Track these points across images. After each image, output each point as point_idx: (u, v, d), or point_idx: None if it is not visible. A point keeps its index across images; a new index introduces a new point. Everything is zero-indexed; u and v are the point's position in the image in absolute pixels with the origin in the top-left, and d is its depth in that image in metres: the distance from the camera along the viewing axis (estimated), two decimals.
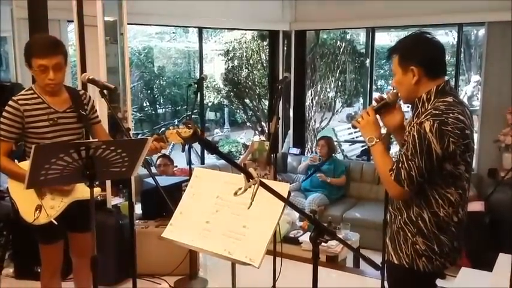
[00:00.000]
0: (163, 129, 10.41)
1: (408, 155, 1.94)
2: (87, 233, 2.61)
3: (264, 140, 6.53)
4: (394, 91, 2.17)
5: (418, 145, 1.91)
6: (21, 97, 2.62)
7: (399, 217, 2.11)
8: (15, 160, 2.70)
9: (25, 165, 2.54)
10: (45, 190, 2.61)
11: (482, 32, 7.40)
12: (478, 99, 8.32)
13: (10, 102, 2.59)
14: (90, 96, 2.88)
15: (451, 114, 1.92)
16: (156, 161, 5.80)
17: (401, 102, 2.21)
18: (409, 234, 2.06)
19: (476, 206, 5.06)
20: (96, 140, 2.70)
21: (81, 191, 2.65)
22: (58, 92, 2.69)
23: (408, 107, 2.20)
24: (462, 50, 7.89)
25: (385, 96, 2.21)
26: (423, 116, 1.95)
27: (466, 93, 10.40)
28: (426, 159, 1.92)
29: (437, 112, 1.93)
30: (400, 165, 1.96)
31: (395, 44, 2.13)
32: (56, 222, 2.60)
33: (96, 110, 2.91)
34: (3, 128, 2.58)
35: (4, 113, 2.58)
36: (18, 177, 2.52)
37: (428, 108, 1.98)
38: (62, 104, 2.70)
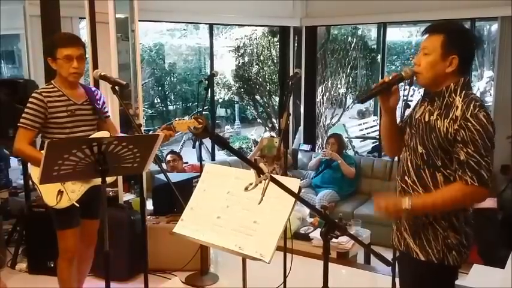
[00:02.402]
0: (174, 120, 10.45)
1: (481, 152, 1.88)
2: (96, 220, 2.99)
3: (273, 136, 6.53)
4: (411, 68, 2.07)
5: (487, 138, 1.89)
6: (44, 90, 2.81)
7: None
8: None
9: None
10: None
11: (495, 27, 7.33)
12: (490, 95, 8.24)
13: (34, 94, 2.78)
14: (101, 93, 3.08)
15: (485, 106, 1.94)
16: (166, 157, 5.83)
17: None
18: (440, 229, 2.02)
19: (488, 203, 5.01)
20: (108, 136, 2.76)
21: None
22: (75, 86, 2.88)
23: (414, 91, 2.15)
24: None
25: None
26: (465, 107, 1.92)
27: (478, 88, 10.32)
28: (492, 150, 1.92)
29: (479, 103, 1.92)
30: (476, 167, 1.89)
31: (442, 23, 2.03)
32: (77, 205, 2.75)
33: (106, 106, 3.08)
34: (28, 117, 2.74)
35: (29, 104, 2.76)
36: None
37: (463, 99, 1.95)
38: (79, 97, 2.88)
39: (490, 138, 1.90)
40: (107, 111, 3.07)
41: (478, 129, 1.88)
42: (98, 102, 2.97)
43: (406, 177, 2.13)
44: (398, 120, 2.27)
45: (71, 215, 2.81)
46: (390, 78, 2.11)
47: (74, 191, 2.75)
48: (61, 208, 2.73)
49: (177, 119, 3.09)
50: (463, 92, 1.98)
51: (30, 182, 2.93)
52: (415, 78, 2.08)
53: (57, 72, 2.83)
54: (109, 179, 2.89)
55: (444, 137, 1.95)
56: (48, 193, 2.70)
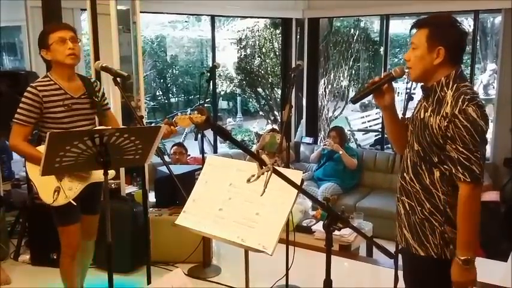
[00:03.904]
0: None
1: (471, 148, 1.88)
2: (96, 215, 2.96)
3: (275, 129, 6.51)
4: (402, 66, 2.09)
5: (476, 134, 1.87)
6: (39, 83, 2.68)
7: (419, 208, 2.06)
8: None
9: (43, 149, 2.58)
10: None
11: (498, 19, 7.28)
12: (494, 88, 8.22)
13: (29, 89, 2.65)
14: (100, 84, 2.97)
15: (478, 98, 1.92)
16: (171, 149, 5.82)
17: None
18: (437, 224, 2.02)
19: (491, 196, 5.02)
20: (110, 127, 2.74)
21: (98, 173, 2.68)
22: (73, 77, 2.78)
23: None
24: (478, 38, 7.76)
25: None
26: (454, 102, 1.91)
27: (481, 81, 10.26)
28: (484, 145, 1.91)
29: (469, 97, 1.90)
30: (466, 163, 1.89)
31: (426, 17, 2.04)
32: (74, 203, 2.69)
33: (106, 97, 2.98)
34: (23, 113, 2.64)
35: (23, 99, 2.65)
36: (37, 161, 2.55)
37: (453, 94, 1.94)
38: (76, 90, 2.77)
39: (479, 132, 1.88)
40: (106, 103, 2.97)
41: (465, 125, 1.87)
42: (97, 94, 2.86)
43: (405, 174, 2.14)
44: (400, 114, 2.26)
45: (71, 212, 2.74)
46: (380, 77, 2.12)
47: (71, 189, 2.69)
48: (59, 205, 2.68)
49: (178, 113, 3.06)
50: (455, 85, 1.96)
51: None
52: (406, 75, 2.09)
53: (53, 63, 2.72)
54: (110, 173, 2.87)
55: (437, 133, 1.95)
56: (45, 190, 2.65)
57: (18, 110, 2.65)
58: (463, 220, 1.94)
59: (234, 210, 2.11)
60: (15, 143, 2.68)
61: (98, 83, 2.95)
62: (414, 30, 2.04)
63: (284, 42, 7.52)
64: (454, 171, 1.93)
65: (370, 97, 2.26)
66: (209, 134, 7.32)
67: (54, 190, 2.64)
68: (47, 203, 2.68)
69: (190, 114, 2.97)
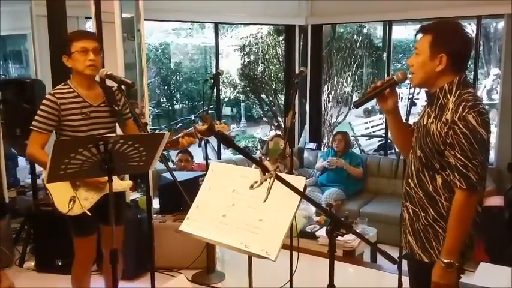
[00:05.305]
0: (180, 124, 10.51)
1: (468, 155, 1.88)
2: (118, 226, 2.76)
3: (279, 135, 6.52)
4: (404, 71, 2.10)
5: (474, 141, 1.87)
6: (58, 91, 2.71)
7: (423, 214, 2.06)
8: None
9: None
10: (80, 182, 2.67)
11: (501, 24, 7.28)
12: (497, 92, 8.20)
13: (47, 96, 2.68)
14: (122, 93, 2.91)
15: (480, 105, 1.92)
16: (176, 157, 5.83)
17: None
18: (441, 231, 2.02)
19: (495, 201, 5.00)
20: (114, 134, 2.75)
21: (115, 183, 2.65)
22: (93, 86, 2.78)
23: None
24: (481, 43, 7.78)
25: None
26: (454, 109, 1.91)
27: (485, 86, 10.25)
28: (484, 152, 1.91)
29: (471, 104, 1.89)
30: (463, 170, 1.89)
31: (432, 23, 2.04)
32: (89, 213, 2.67)
33: (127, 107, 2.94)
34: (41, 120, 2.65)
35: (42, 106, 2.67)
36: None
37: (455, 100, 1.94)
38: (95, 98, 2.77)
39: (478, 140, 1.88)
40: (127, 113, 2.93)
41: (464, 132, 1.87)
42: (118, 103, 2.84)
43: (409, 180, 2.14)
44: (403, 119, 2.27)
45: (88, 223, 2.73)
46: (383, 82, 2.12)
47: (86, 199, 2.69)
48: (76, 215, 2.66)
49: (200, 122, 3.05)
50: (458, 91, 1.96)
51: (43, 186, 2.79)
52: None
53: (73, 71, 2.73)
54: (128, 184, 2.89)
55: (438, 140, 1.96)
56: (61, 200, 2.65)
57: (36, 117, 2.67)
58: (454, 225, 1.95)
59: (238, 217, 2.13)
60: (32, 151, 2.67)
61: (119, 92, 2.91)
62: (419, 35, 2.04)
63: (287, 49, 7.54)
64: (451, 177, 1.93)
65: (373, 103, 2.27)
66: (213, 140, 7.34)
67: (69, 199, 2.63)
68: (62, 212, 2.66)
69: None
